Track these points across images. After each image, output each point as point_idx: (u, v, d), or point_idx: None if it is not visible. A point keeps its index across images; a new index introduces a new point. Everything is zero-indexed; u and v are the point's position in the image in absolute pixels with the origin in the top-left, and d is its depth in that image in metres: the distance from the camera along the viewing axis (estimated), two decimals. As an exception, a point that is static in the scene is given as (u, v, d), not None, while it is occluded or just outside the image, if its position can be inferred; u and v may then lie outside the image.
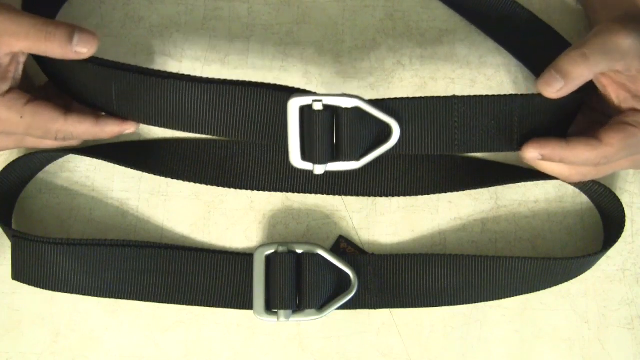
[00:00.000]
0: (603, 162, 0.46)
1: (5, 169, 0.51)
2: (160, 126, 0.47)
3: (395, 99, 0.46)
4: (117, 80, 0.46)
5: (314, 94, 0.45)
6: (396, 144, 0.46)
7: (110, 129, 0.48)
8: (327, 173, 0.54)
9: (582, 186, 0.54)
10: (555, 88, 0.45)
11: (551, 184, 0.55)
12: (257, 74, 0.56)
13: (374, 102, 0.45)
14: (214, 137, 0.55)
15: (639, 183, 0.55)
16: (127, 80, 0.46)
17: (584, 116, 0.51)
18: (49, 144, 0.49)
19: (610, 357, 0.52)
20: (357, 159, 0.46)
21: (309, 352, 0.52)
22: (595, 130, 0.47)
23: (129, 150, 0.54)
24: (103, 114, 0.49)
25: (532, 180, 0.54)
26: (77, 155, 0.54)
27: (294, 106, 0.45)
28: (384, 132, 0.46)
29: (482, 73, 0.57)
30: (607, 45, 0.45)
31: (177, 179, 0.54)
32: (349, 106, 0.45)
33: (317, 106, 0.45)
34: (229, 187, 0.54)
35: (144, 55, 0.56)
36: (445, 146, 0.46)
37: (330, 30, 0.57)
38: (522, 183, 0.55)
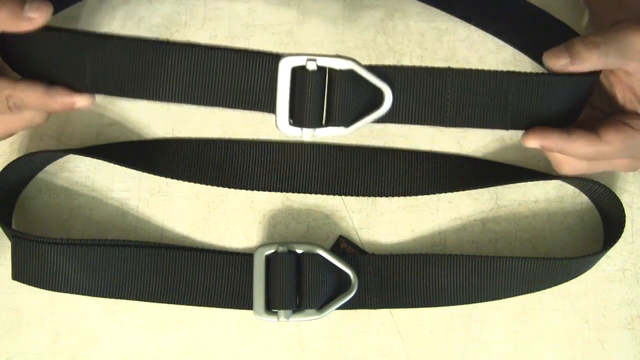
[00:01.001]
0: (598, 158, 0.46)
1: (5, 169, 0.51)
2: (141, 97, 0.45)
3: (389, 65, 0.45)
4: (92, 49, 0.44)
5: (306, 54, 0.44)
6: (387, 112, 0.45)
7: (61, 99, 0.45)
8: (326, 172, 0.54)
9: (582, 186, 0.54)
10: (560, 62, 0.45)
11: (551, 184, 0.55)
12: (257, 74, 0.56)
13: (368, 67, 0.44)
14: (214, 137, 0.55)
15: (639, 183, 0.55)
16: (104, 49, 0.44)
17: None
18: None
19: (610, 357, 0.52)
20: (347, 125, 0.46)
21: (309, 352, 0.52)
22: (594, 125, 0.47)
23: (129, 150, 0.54)
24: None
25: (532, 180, 0.54)
26: (77, 155, 0.54)
27: (285, 66, 0.44)
28: (376, 99, 0.45)
29: (482, 73, 0.57)
30: (622, 42, 0.45)
31: (177, 179, 0.54)
32: (344, 68, 0.44)
33: (311, 66, 0.43)
34: (229, 187, 0.54)
35: (144, 55, 0.56)
36: (435, 117, 0.46)
37: (330, 30, 0.57)
38: (522, 183, 0.55)
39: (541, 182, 0.55)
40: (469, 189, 0.54)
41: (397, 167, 0.55)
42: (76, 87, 0.46)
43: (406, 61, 0.57)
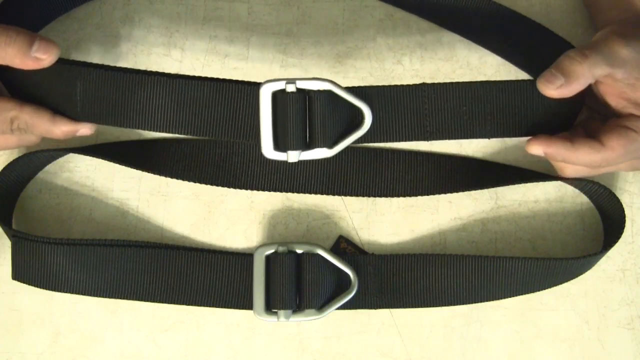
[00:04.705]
0: (603, 165, 0.46)
1: (5, 169, 0.51)
2: (127, 126, 0.46)
3: (367, 86, 0.46)
4: (82, 78, 0.45)
5: (285, 78, 0.45)
6: (368, 131, 0.46)
7: (65, 128, 0.47)
8: (326, 172, 0.54)
9: (582, 186, 0.54)
10: (556, 85, 0.45)
11: (551, 184, 0.55)
12: (257, 74, 0.56)
13: (346, 88, 0.46)
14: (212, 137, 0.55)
15: (639, 183, 0.55)
16: (92, 78, 0.44)
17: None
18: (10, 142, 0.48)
19: (610, 357, 0.52)
20: (330, 146, 0.46)
21: (309, 352, 0.52)
22: (593, 128, 0.47)
23: (129, 150, 0.54)
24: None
25: (532, 181, 0.54)
26: (77, 155, 0.54)
27: (266, 92, 0.45)
28: (356, 119, 0.46)
29: (482, 73, 0.57)
30: (607, 52, 0.45)
31: (177, 178, 0.54)
32: (322, 89, 0.45)
33: (290, 88, 0.44)
34: (229, 187, 0.54)
35: (144, 55, 0.56)
36: (417, 133, 0.47)
37: (330, 30, 0.57)
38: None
39: (541, 182, 0.55)
40: (469, 189, 0.54)
41: (397, 168, 0.55)
42: (67, 114, 0.47)
43: (406, 61, 0.57)
